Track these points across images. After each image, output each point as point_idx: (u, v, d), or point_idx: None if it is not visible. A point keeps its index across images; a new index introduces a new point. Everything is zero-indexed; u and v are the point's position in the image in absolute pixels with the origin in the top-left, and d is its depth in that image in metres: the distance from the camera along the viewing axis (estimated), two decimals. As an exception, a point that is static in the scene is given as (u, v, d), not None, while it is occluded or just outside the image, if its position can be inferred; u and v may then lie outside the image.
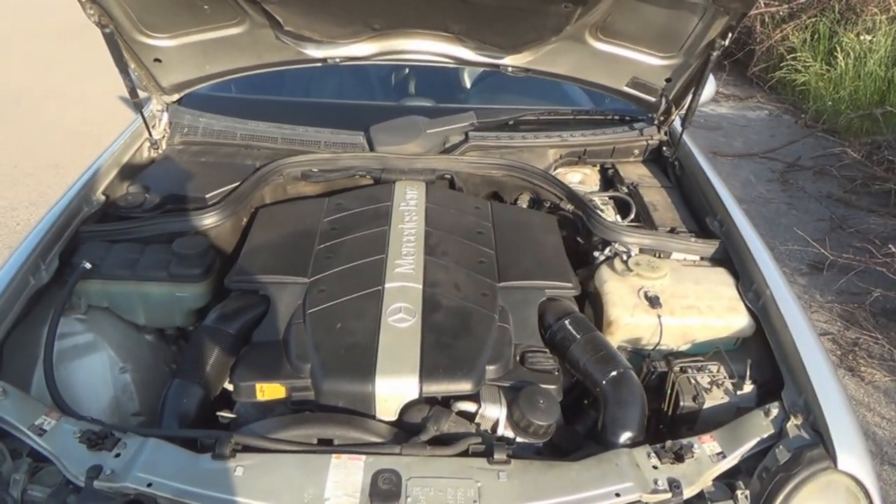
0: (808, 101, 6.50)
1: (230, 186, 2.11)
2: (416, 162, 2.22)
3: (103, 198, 2.07)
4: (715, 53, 2.06)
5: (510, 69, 2.29)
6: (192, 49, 2.18)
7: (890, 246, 3.60)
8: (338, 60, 2.25)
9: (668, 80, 2.28)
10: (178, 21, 2.07)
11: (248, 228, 2.02)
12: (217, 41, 2.16)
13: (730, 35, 2.00)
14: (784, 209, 4.88)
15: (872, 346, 3.43)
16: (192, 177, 2.18)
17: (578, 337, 1.65)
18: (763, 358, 1.72)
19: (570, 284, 1.81)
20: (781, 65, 6.80)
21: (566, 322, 1.69)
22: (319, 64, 2.28)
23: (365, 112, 2.46)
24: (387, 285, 1.68)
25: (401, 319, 1.60)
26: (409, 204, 2.00)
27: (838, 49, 6.36)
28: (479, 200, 2.14)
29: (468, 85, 2.88)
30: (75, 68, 6.86)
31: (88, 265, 1.78)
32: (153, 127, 2.35)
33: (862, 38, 6.35)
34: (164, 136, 2.39)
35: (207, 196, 2.08)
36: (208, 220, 1.96)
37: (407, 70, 2.80)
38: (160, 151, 2.36)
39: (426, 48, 2.22)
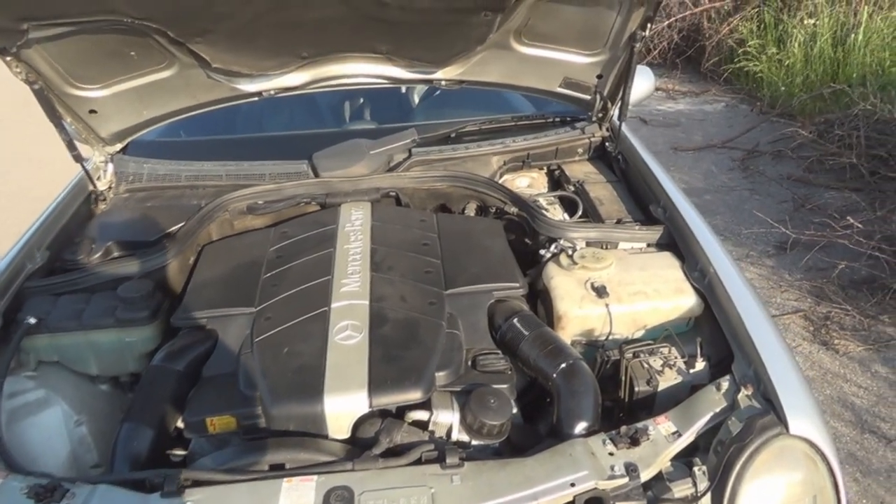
0: (762, 88, 6.62)
1: (175, 227, 2.11)
2: (360, 183, 2.24)
3: (47, 253, 2.05)
4: (637, 45, 2.10)
5: (444, 83, 2.32)
6: (126, 96, 2.19)
7: (848, 218, 3.64)
8: (273, 92, 2.27)
9: (599, 77, 2.32)
10: (108, 70, 2.09)
11: (195, 265, 2.02)
12: (150, 86, 2.17)
13: (649, 25, 2.05)
14: (747, 195, 4.94)
15: (843, 318, 3.45)
16: (137, 222, 2.19)
17: (527, 334, 1.66)
18: (715, 335, 1.74)
19: (516, 284, 1.82)
20: (733, 58, 6.93)
21: (514, 321, 1.70)
22: (256, 98, 2.30)
23: (309, 141, 2.48)
24: (333, 305, 1.68)
25: (348, 337, 1.59)
26: (355, 224, 2.01)
27: (786, 35, 6.51)
28: (424, 213, 2.16)
29: (410, 104, 2.91)
30: (38, 132, 6.83)
31: (34, 320, 1.77)
32: (98, 179, 2.35)
33: (806, 22, 6.51)
34: (109, 187, 2.40)
35: (152, 239, 2.08)
36: (153, 262, 1.95)
37: (348, 95, 2.83)
38: (106, 202, 2.35)
39: (359, 71, 2.25)
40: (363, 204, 2.13)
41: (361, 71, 2.25)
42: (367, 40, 2.11)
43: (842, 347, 3.26)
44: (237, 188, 2.27)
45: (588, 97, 2.41)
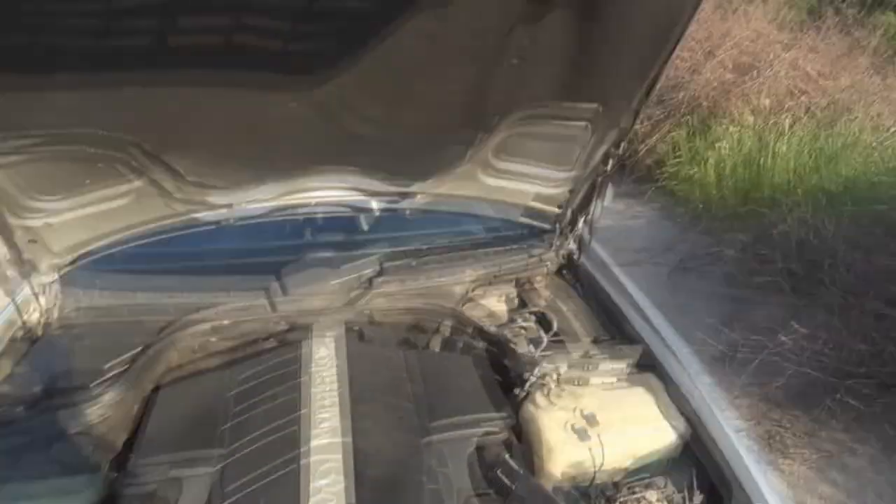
0: (681, 206, 7.03)
1: (118, 370, 1.95)
2: (322, 317, 2.15)
3: None
4: (611, 163, 2.18)
5: (418, 197, 2.31)
6: (86, 212, 2.06)
7: (781, 336, 3.80)
8: (243, 205, 2.20)
9: (570, 192, 2.38)
10: (71, 185, 1.97)
11: (144, 414, 1.85)
12: (107, 209, 2.06)
13: (622, 145, 2.12)
14: (678, 310, 5.10)
15: (787, 433, 3.52)
16: (75, 362, 2.00)
17: (513, 486, 1.58)
18: (696, 466, 1.73)
19: (498, 426, 1.77)
20: (653, 176, 7.39)
21: (498, 471, 1.62)
22: (224, 210, 2.21)
23: (262, 270, 2.39)
24: (302, 462, 1.55)
25: (324, 500, 1.46)
26: (320, 364, 1.91)
27: (699, 157, 7.03)
28: (391, 350, 2.08)
29: (369, 230, 2.88)
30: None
31: None
32: (28, 312, 2.16)
33: (718, 145, 7.06)
34: (41, 320, 2.20)
35: (95, 383, 1.90)
36: (93, 414, 1.77)
37: (305, 222, 2.77)
38: (39, 335, 2.16)
39: (332, 184, 2.23)
40: (326, 340, 2.04)
41: (335, 184, 2.24)
42: (345, 156, 2.10)
43: (798, 456, 3.30)
44: (187, 322, 2.13)
45: (558, 211, 2.46)
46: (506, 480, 1.59)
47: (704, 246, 5.86)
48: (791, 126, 7.07)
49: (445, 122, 1.99)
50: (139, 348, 2.00)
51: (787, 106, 7.55)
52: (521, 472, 1.64)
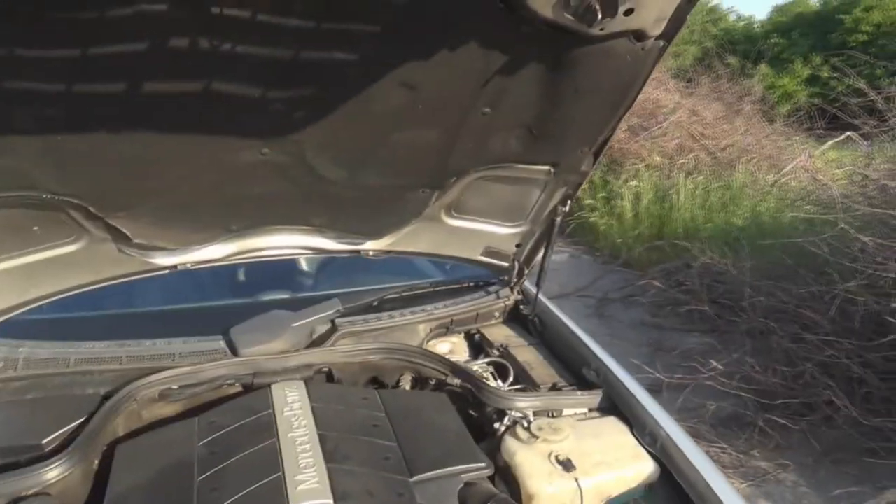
0: (600, 241, 7.35)
1: (73, 425, 1.80)
2: (288, 360, 2.08)
3: None
4: (558, 218, 2.26)
5: (371, 253, 2.30)
6: (12, 274, 1.92)
7: (711, 361, 4.00)
8: (188, 266, 2.11)
9: (518, 246, 2.44)
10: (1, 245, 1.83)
11: (102, 473, 1.71)
12: (46, 262, 1.92)
13: (569, 202, 2.21)
14: (607, 340, 5.28)
15: (721, 457, 3.68)
16: (18, 420, 1.83)
17: None
18: (672, 500, 1.76)
19: (483, 464, 1.74)
20: (572, 212, 7.69)
21: None
22: (166, 272, 2.12)
23: (218, 314, 2.30)
24: None
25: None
26: (293, 408, 1.84)
27: (614, 195, 7.39)
28: (364, 391, 2.04)
29: (325, 272, 2.84)
30: None
31: None
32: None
33: (629, 184, 7.45)
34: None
35: (44, 441, 1.74)
36: (53, 473, 1.62)
37: (258, 265, 2.70)
38: None
39: (286, 242, 2.18)
40: (295, 384, 1.97)
41: (288, 243, 2.18)
42: (302, 214, 2.07)
43: (736, 474, 3.44)
44: (140, 371, 2.01)
45: (506, 264, 2.51)
46: (502, 516, 1.58)
47: (627, 278, 6.12)
48: (695, 167, 7.59)
49: (404, 182, 2.01)
50: (95, 401, 1.86)
51: (690, 147, 8.11)
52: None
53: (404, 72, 1.51)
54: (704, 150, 8.10)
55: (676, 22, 1.51)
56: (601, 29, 1.46)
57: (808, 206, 5.87)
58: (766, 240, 5.48)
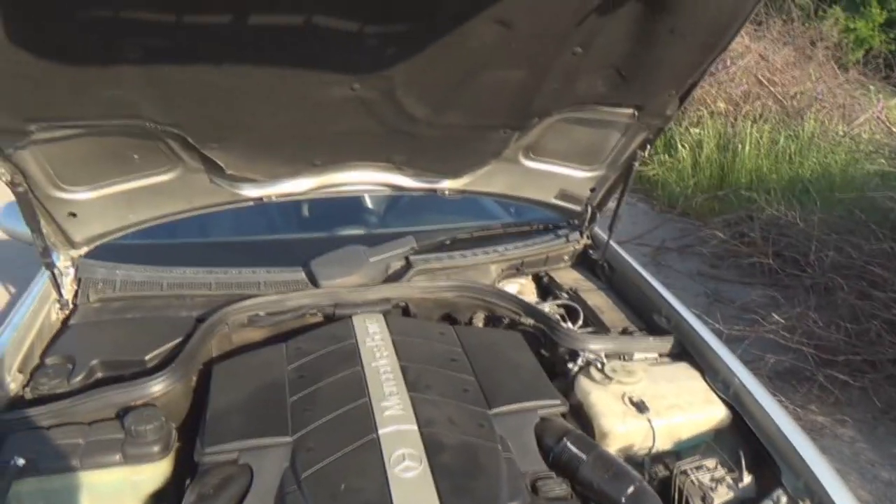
0: (657, 190, 7.20)
1: (171, 343, 1.92)
2: (367, 293, 2.16)
3: (20, 376, 1.78)
4: (636, 163, 2.23)
5: (447, 192, 2.33)
6: (114, 199, 2.01)
7: (773, 314, 3.96)
8: (273, 198, 2.18)
9: (592, 190, 2.43)
10: (102, 172, 1.92)
11: (201, 390, 1.83)
12: (144, 189, 2.01)
13: (648, 147, 2.18)
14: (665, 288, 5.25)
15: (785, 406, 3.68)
16: (121, 338, 1.96)
17: (585, 457, 1.62)
18: (741, 446, 1.79)
19: (558, 401, 1.80)
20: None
21: (568, 443, 1.66)
22: (251, 203, 2.19)
23: (298, 246, 2.37)
24: (380, 431, 1.57)
25: (407, 468, 1.48)
26: (375, 339, 1.92)
27: (677, 140, 7.19)
28: (441, 326, 2.10)
29: (401, 208, 2.88)
30: None
31: (22, 461, 1.51)
32: (64, 286, 2.10)
33: (692, 131, 7.24)
34: (73, 295, 2.15)
35: (147, 358, 1.87)
36: (157, 387, 1.74)
37: (335, 200, 2.76)
38: (74, 313, 2.10)
39: (366, 178, 2.21)
40: (375, 316, 2.05)
41: (368, 179, 2.22)
42: (384, 151, 2.10)
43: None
44: (228, 297, 2.11)
45: (579, 208, 2.51)
46: (576, 451, 1.63)
47: (686, 228, 6.02)
48: (761, 115, 7.30)
49: (486, 122, 2.00)
50: (190, 323, 1.97)
51: (757, 94, 7.79)
52: (593, 442, 1.69)
53: (501, 7, 1.49)
54: (772, 97, 7.76)
55: None
56: None
57: (882, 160, 5.65)
58: (835, 193, 5.31)
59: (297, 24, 1.47)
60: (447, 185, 2.30)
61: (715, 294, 5.02)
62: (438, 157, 2.16)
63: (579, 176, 2.36)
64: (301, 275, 2.22)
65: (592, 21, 1.60)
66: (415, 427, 1.59)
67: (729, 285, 5.15)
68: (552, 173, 2.34)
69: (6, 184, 1.77)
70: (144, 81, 1.58)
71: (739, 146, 6.70)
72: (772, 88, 7.95)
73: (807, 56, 8.90)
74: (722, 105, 7.74)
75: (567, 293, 2.42)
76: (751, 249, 5.08)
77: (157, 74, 1.56)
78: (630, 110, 2.03)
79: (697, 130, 7.24)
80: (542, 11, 1.55)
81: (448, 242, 2.46)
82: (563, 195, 2.45)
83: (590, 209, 2.50)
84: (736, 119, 7.26)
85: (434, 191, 2.32)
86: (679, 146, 7.13)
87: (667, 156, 7.22)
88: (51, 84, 1.52)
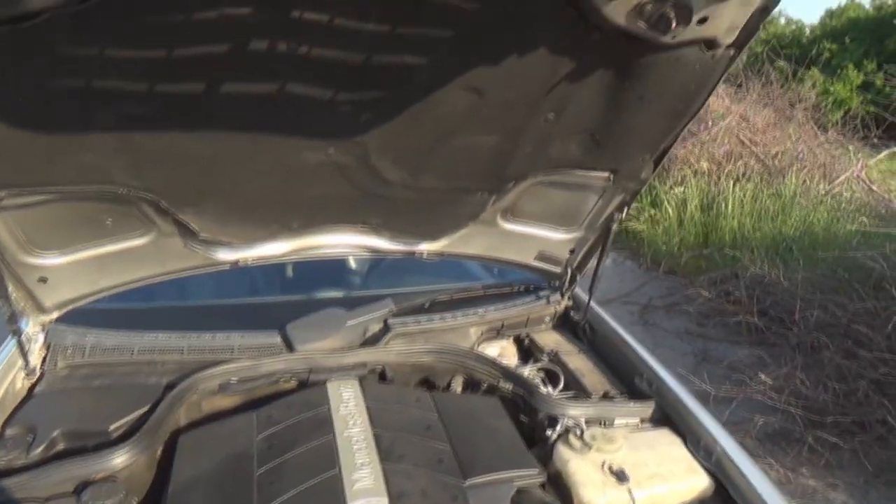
0: (643, 247, 7.25)
1: (137, 412, 1.86)
2: (343, 358, 2.12)
3: None
4: (614, 225, 2.24)
5: (425, 255, 2.32)
6: (85, 264, 1.99)
7: (761, 375, 3.92)
8: (250, 261, 2.16)
9: (571, 252, 2.43)
10: (74, 237, 1.90)
11: (166, 461, 1.76)
12: (115, 253, 1.98)
13: (626, 209, 2.19)
14: (651, 348, 5.19)
15: (769, 474, 3.60)
16: (86, 406, 1.90)
17: None
18: None
19: (536, 471, 1.75)
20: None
21: None
22: (227, 267, 2.17)
23: (275, 309, 2.34)
24: None
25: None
26: (349, 406, 1.87)
27: (662, 198, 7.29)
28: (417, 392, 2.06)
29: (378, 271, 2.87)
30: None
31: None
32: (31, 353, 2.04)
33: (675, 190, 7.34)
34: (41, 362, 2.09)
35: (111, 428, 1.80)
36: (119, 459, 1.68)
37: (314, 262, 2.74)
38: (40, 381, 2.04)
39: (343, 241, 2.20)
40: (350, 381, 2.00)
41: (346, 241, 2.21)
42: (361, 214, 2.10)
43: (784, 491, 3.36)
44: (200, 363, 2.06)
45: (558, 269, 2.50)
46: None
47: (671, 286, 6.03)
48: (744, 174, 7.43)
49: (462, 185, 2.02)
50: (158, 390, 1.92)
51: (739, 154, 7.95)
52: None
53: (472, 76, 1.52)
54: (754, 156, 7.92)
55: (749, 31, 1.48)
56: (673, 37, 1.44)
57: (863, 218, 5.73)
58: (818, 251, 5.35)
59: (271, 92, 1.48)
60: (425, 247, 2.29)
61: (702, 353, 4.98)
62: (415, 219, 2.16)
63: (558, 238, 2.37)
64: (277, 339, 2.18)
65: (563, 89, 1.62)
66: (386, 500, 1.54)
67: (716, 344, 5.12)
68: (531, 235, 2.34)
69: (-28, 249, 1.75)
70: (118, 148, 1.58)
71: (723, 205, 6.80)
72: (753, 148, 8.12)
73: (787, 117, 9.14)
74: (705, 164, 7.89)
75: (548, 356, 2.39)
76: (736, 308, 5.08)
77: (131, 141, 1.57)
78: (605, 174, 2.05)
79: (681, 189, 7.35)
80: (513, 80, 1.57)
81: (427, 305, 2.44)
82: (543, 257, 2.44)
83: (570, 270, 2.50)
84: (719, 178, 7.38)
85: (412, 253, 2.30)
86: (665, 205, 7.22)
87: (653, 209, 7.30)
88: (22, 150, 1.51)
